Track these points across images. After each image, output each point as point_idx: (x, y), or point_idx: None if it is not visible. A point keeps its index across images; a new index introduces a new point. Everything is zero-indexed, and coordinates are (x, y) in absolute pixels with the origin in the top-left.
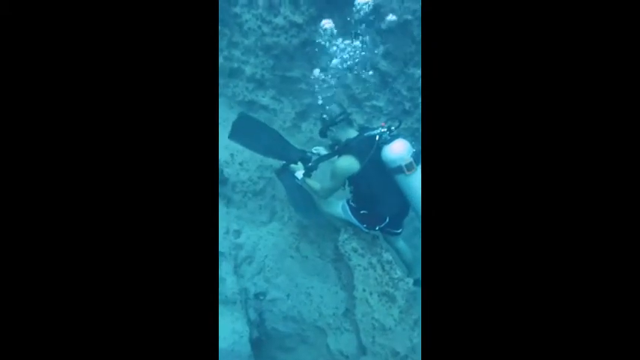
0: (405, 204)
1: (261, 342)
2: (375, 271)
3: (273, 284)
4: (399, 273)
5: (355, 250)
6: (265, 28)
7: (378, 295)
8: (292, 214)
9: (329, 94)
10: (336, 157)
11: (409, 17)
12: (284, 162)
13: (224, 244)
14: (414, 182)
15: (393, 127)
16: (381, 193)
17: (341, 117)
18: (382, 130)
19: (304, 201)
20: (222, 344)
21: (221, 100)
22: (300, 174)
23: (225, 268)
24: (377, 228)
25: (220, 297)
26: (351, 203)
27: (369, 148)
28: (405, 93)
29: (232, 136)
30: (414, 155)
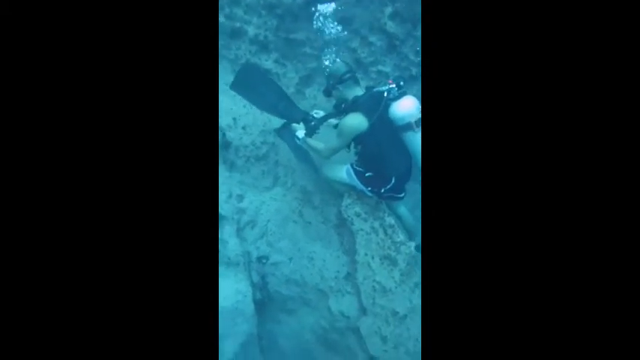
0: (410, 164)
1: (263, 304)
2: (377, 235)
3: (276, 248)
4: (401, 237)
5: (358, 215)
6: None
7: (380, 259)
8: (296, 180)
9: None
10: (343, 115)
11: None
12: (285, 121)
13: (226, 208)
14: (420, 140)
15: (401, 83)
16: (389, 151)
17: (348, 75)
18: (390, 86)
19: (308, 156)
20: (226, 303)
21: (223, 64)
22: (301, 133)
23: (227, 231)
24: (382, 190)
25: (223, 259)
26: (356, 167)
27: (377, 105)
28: (412, 57)
29: (234, 86)
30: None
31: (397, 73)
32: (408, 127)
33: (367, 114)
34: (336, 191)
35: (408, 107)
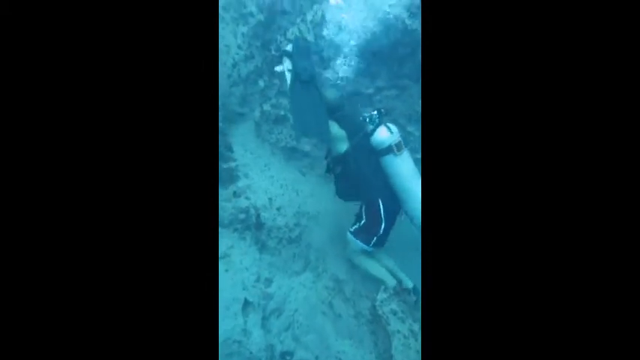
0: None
1: None
2: (416, 340)
3: (302, 343)
4: None
5: (395, 313)
6: None
7: None
8: (327, 266)
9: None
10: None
11: None
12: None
13: (253, 293)
14: (401, 164)
15: (382, 110)
16: (369, 175)
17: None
18: (372, 113)
19: (309, 114)
20: None
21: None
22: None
23: (252, 320)
24: (381, 232)
25: (245, 353)
26: (350, 229)
27: (358, 131)
28: None
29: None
30: (402, 137)
31: None
32: (388, 150)
33: (349, 134)
34: (370, 283)
35: (387, 133)
